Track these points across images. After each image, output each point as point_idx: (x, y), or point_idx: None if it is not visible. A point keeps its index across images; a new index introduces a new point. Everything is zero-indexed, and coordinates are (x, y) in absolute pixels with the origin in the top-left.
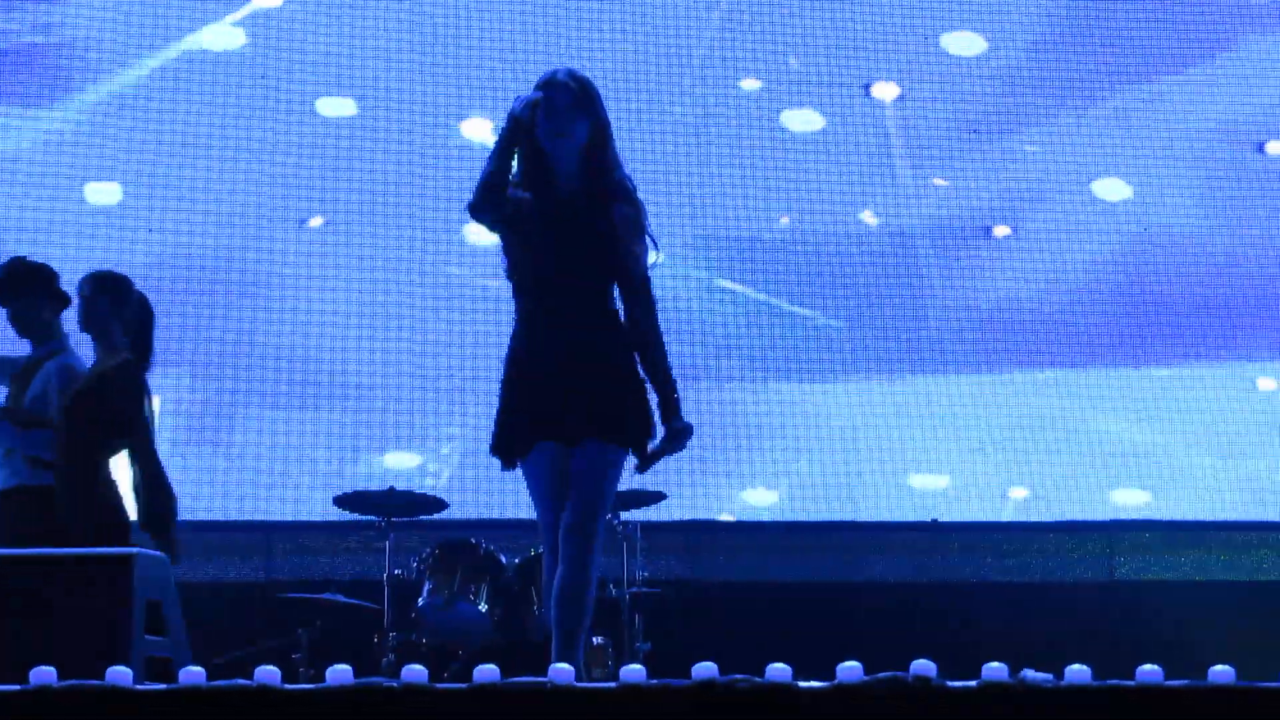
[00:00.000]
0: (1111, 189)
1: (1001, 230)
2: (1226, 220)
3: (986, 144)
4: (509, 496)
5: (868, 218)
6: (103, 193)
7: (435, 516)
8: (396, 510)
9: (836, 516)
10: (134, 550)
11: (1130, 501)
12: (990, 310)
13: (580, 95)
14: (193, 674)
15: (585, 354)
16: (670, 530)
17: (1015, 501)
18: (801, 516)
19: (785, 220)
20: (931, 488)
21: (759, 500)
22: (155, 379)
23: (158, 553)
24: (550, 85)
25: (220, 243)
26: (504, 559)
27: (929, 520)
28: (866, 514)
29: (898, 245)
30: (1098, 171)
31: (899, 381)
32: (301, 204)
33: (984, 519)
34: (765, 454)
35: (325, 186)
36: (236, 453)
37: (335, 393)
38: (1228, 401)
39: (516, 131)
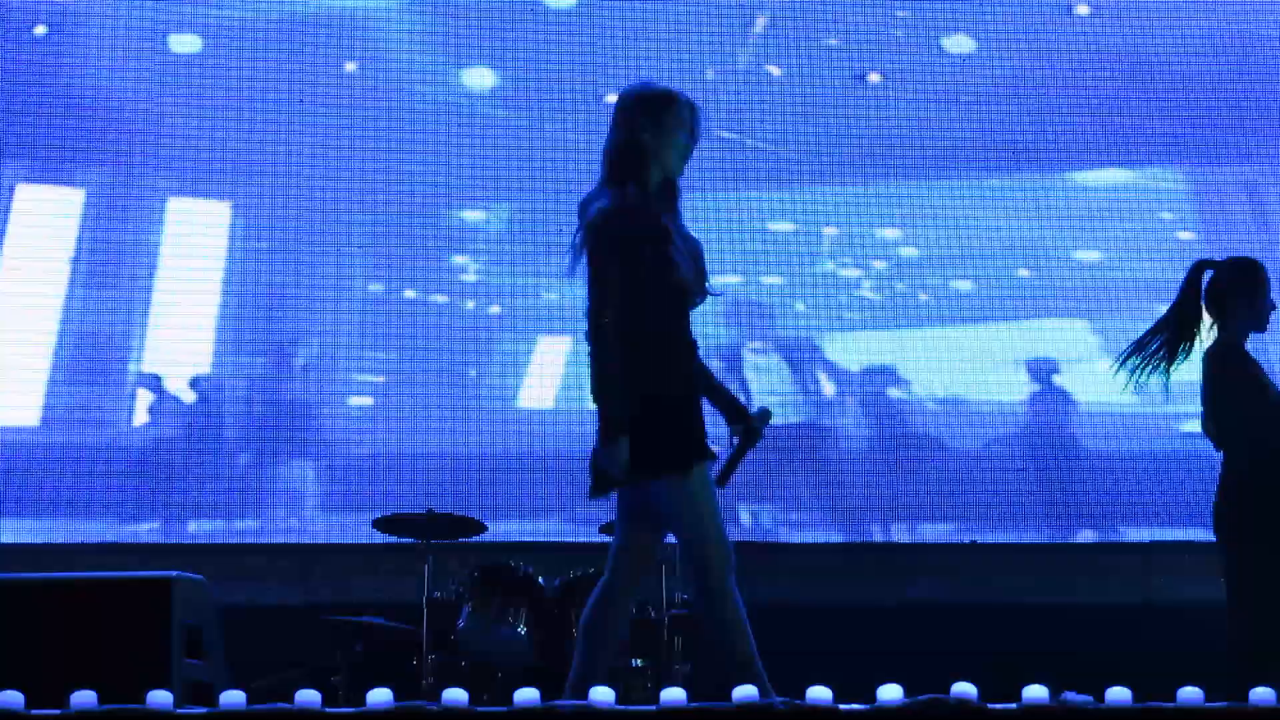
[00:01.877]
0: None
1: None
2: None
3: None
4: (548, 519)
5: None
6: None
7: (474, 539)
8: (436, 532)
9: (878, 538)
10: (173, 574)
11: None
12: None
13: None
14: (233, 697)
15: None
16: None
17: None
18: (843, 538)
19: None
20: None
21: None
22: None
23: (197, 576)
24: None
25: None
26: (543, 581)
27: (969, 541)
28: (903, 534)
29: None
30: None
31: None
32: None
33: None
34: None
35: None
36: (277, 475)
37: (376, 415)
38: None
39: None
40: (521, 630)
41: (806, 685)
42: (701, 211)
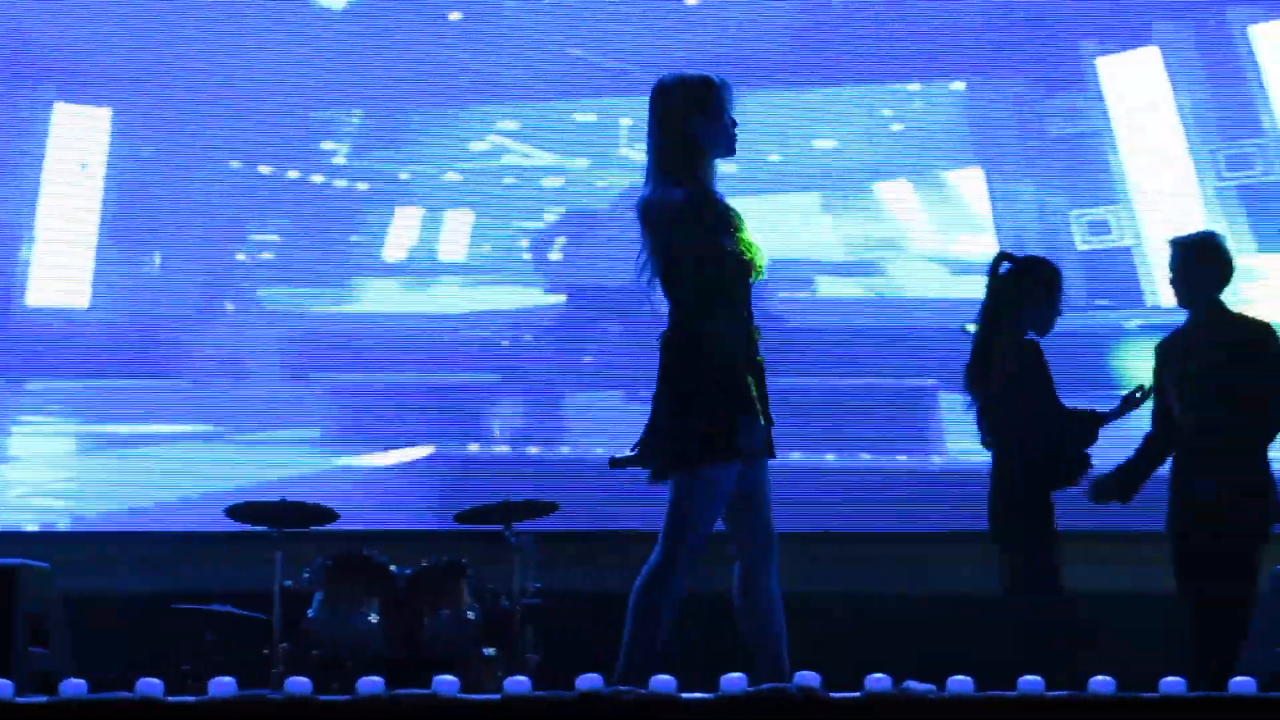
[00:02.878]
0: None
1: None
2: None
3: None
4: (401, 508)
5: None
6: None
7: (327, 528)
8: (288, 521)
9: None
10: (17, 562)
11: None
12: None
13: None
14: (74, 686)
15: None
16: (564, 541)
17: None
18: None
19: None
20: None
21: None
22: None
23: (42, 564)
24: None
25: None
26: (395, 571)
27: (822, 530)
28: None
29: None
30: None
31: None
32: None
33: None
34: None
35: None
36: (128, 463)
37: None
38: None
39: None
40: (373, 619)
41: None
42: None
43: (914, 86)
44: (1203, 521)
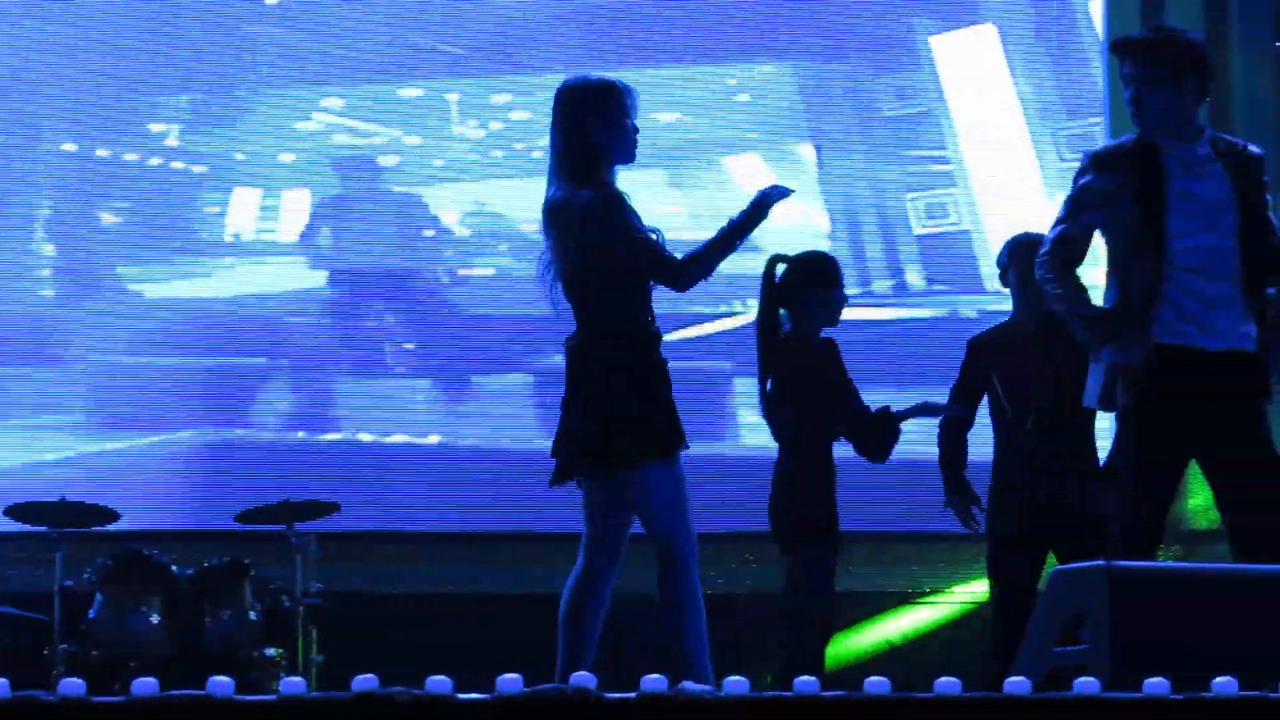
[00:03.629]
0: None
1: None
2: None
3: None
4: (183, 508)
5: None
6: None
7: (108, 528)
8: (68, 521)
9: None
10: None
11: None
12: None
13: None
14: None
15: None
16: (345, 540)
17: None
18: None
19: None
20: None
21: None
22: None
23: None
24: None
25: None
26: (177, 570)
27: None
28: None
29: None
30: None
31: None
32: None
33: None
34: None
35: None
36: None
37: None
38: None
39: None
40: (155, 619)
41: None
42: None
43: (750, 65)
44: (1058, 520)
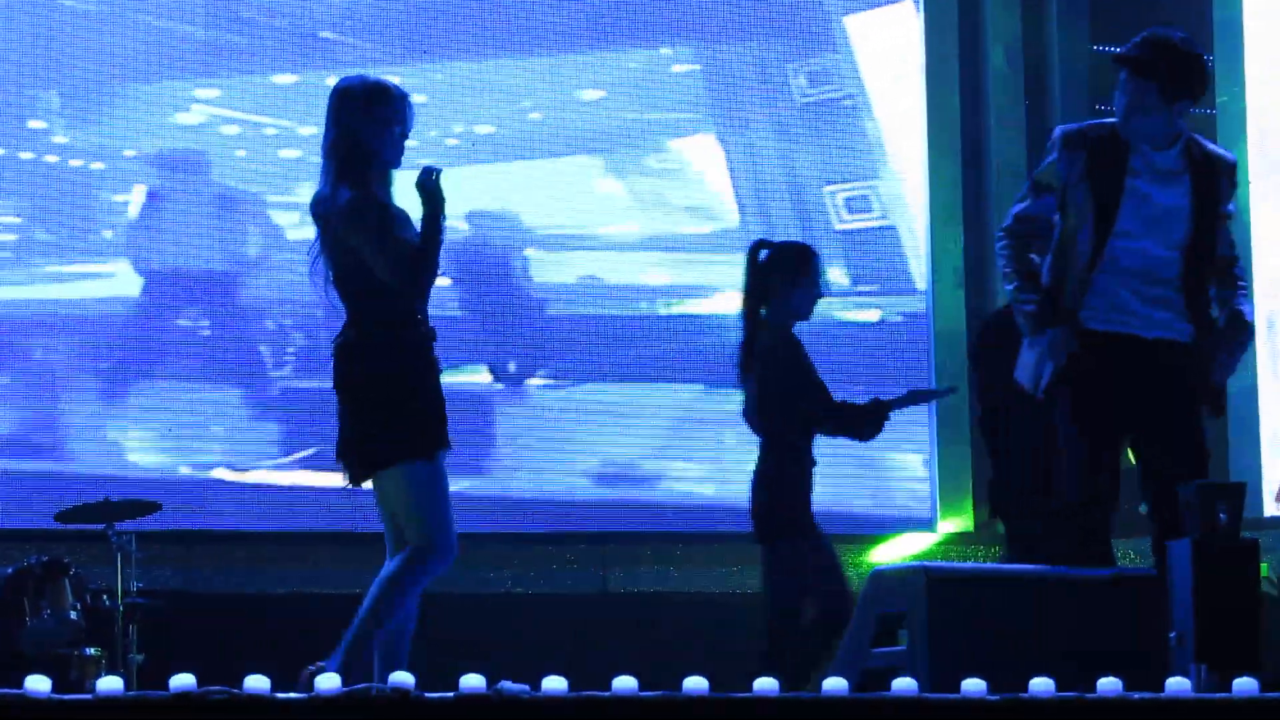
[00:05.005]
0: None
1: None
2: None
3: None
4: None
5: None
6: None
7: None
8: None
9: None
10: None
11: None
12: None
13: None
14: None
15: None
16: (165, 541)
17: None
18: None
19: None
20: None
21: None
22: None
23: None
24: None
25: None
26: None
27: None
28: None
29: None
30: None
31: None
32: None
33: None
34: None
35: None
36: None
37: None
38: None
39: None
40: None
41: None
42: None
43: (645, 51)
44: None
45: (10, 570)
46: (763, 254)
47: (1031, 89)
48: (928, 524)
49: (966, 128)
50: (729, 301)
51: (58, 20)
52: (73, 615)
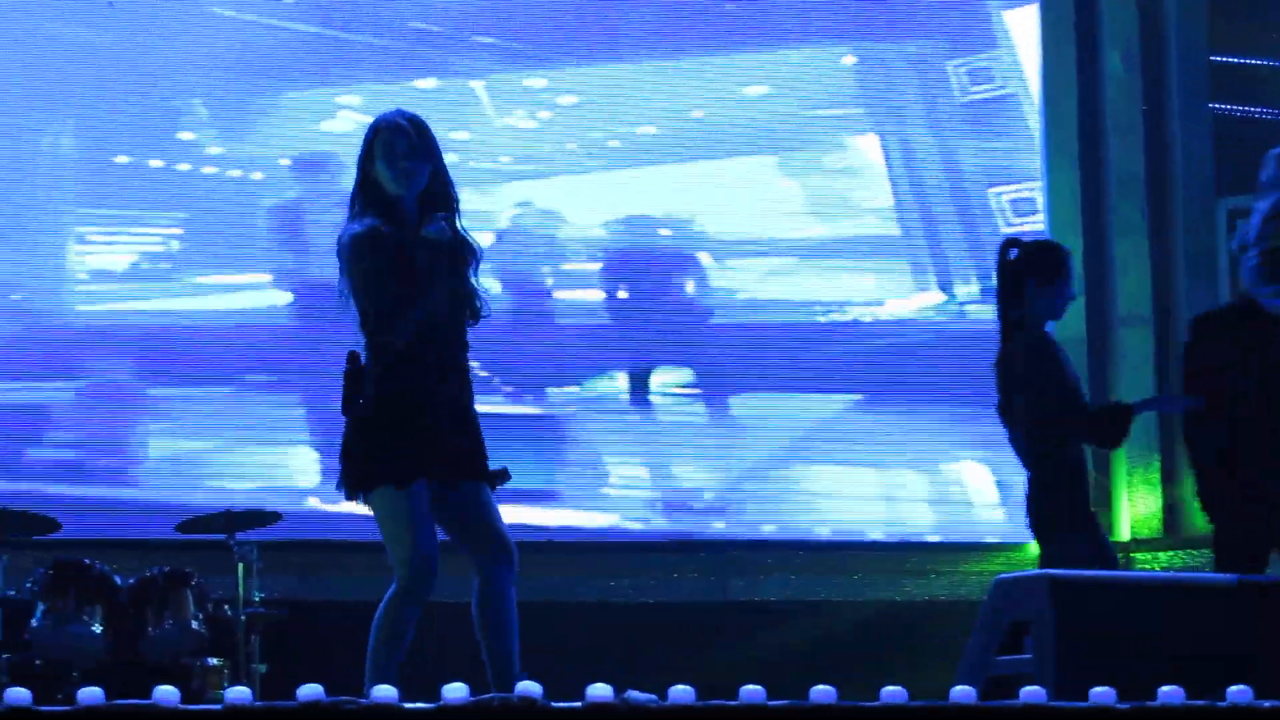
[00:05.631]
0: None
1: None
2: None
3: None
4: (122, 518)
5: None
6: None
7: (48, 537)
8: (7, 530)
9: None
10: None
11: None
12: None
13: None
14: None
15: (465, 397)
16: (287, 550)
17: None
18: None
19: None
20: None
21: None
22: None
23: None
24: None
25: None
26: (118, 580)
27: (543, 540)
28: None
29: None
30: None
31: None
32: None
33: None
34: None
35: None
36: None
37: None
38: None
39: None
40: (96, 628)
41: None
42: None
43: (801, 51)
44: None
45: (133, 580)
46: (1012, 253)
47: (1149, 93)
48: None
49: (1084, 133)
50: (902, 306)
51: (196, 27)
52: (195, 625)
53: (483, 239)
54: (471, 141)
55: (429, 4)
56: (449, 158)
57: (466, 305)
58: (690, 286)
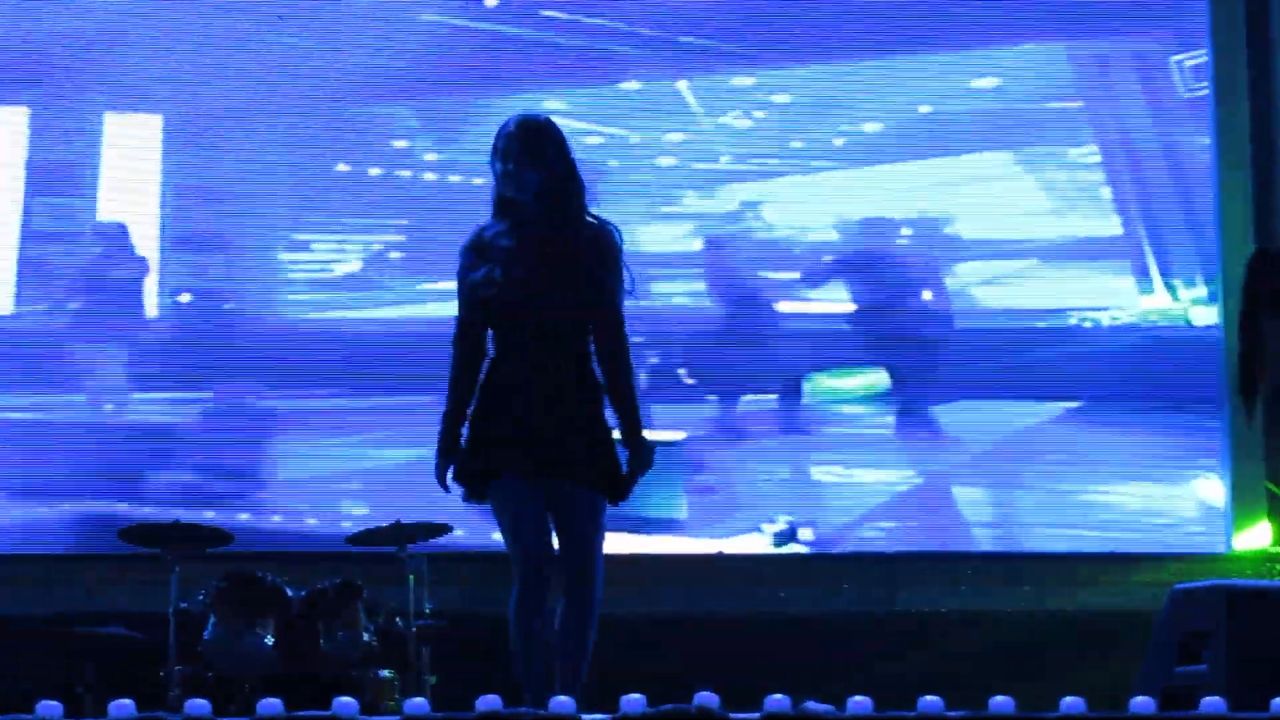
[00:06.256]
0: None
1: None
2: None
3: None
4: (293, 529)
5: None
6: None
7: (221, 549)
8: (180, 543)
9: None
10: None
11: None
12: None
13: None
14: None
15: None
16: (458, 561)
17: None
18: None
19: None
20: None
21: None
22: None
23: None
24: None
25: None
26: (290, 592)
27: (715, 553)
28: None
29: None
30: None
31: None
32: None
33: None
34: None
35: None
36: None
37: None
38: None
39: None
40: (268, 640)
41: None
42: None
43: (1014, 48)
44: None
45: (304, 592)
46: (1261, 261)
47: None
48: (1222, 542)
49: (1256, 137)
50: (1121, 309)
51: (401, 34)
52: (366, 637)
53: (695, 243)
54: (688, 143)
55: (632, 6)
56: (663, 160)
57: (584, 304)
58: (923, 292)
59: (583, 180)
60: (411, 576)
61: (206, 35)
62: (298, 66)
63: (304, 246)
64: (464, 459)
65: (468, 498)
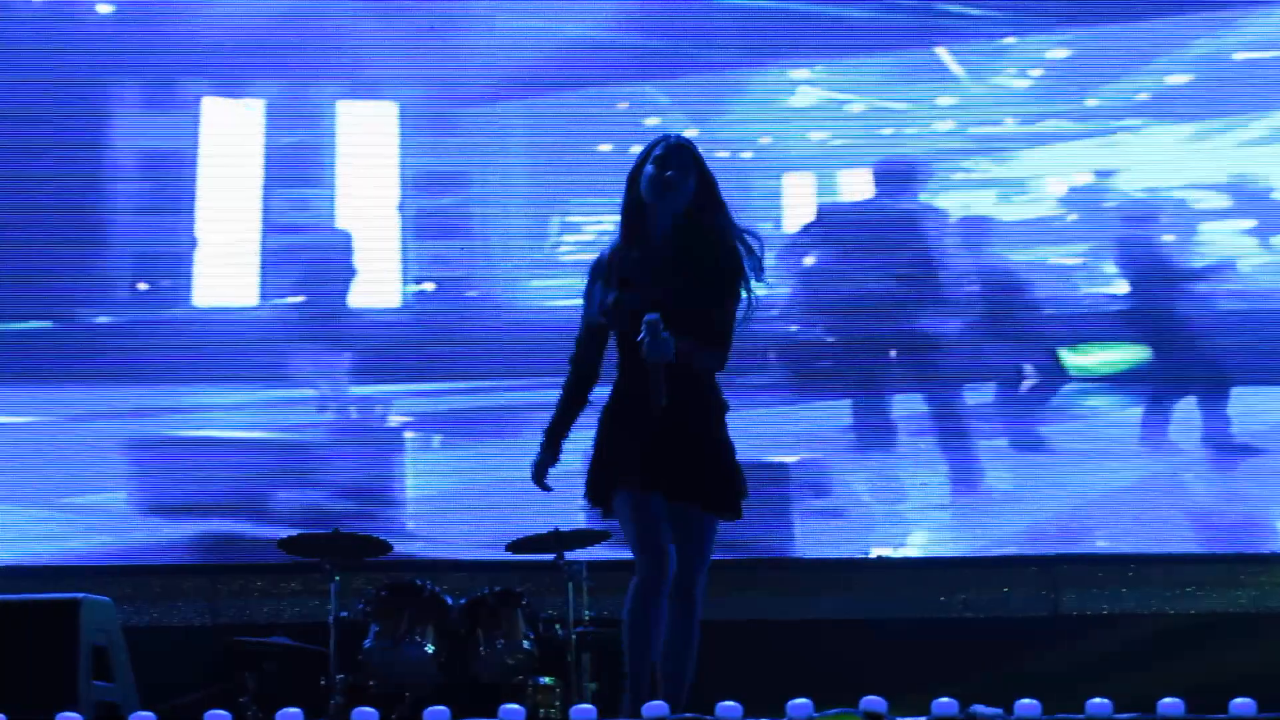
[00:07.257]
0: None
1: None
2: None
3: None
4: (454, 539)
5: None
6: None
7: (380, 559)
8: (342, 553)
9: (781, 552)
10: (80, 596)
11: None
12: None
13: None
14: (142, 719)
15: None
16: (616, 569)
17: None
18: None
19: None
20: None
21: None
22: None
23: (104, 597)
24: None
25: None
26: (449, 601)
27: (872, 557)
28: (809, 550)
29: None
30: None
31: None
32: None
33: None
34: None
35: None
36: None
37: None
38: None
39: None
40: (429, 649)
41: (714, 701)
42: None
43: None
44: None
45: (464, 600)
46: None
47: None
48: None
49: None
50: None
51: (641, 9)
52: (526, 644)
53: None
54: (961, 105)
55: None
56: (938, 125)
57: (702, 322)
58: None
59: (723, 199)
60: (570, 584)
61: (441, 20)
62: (537, 49)
63: (573, 228)
64: (591, 471)
65: (593, 506)
